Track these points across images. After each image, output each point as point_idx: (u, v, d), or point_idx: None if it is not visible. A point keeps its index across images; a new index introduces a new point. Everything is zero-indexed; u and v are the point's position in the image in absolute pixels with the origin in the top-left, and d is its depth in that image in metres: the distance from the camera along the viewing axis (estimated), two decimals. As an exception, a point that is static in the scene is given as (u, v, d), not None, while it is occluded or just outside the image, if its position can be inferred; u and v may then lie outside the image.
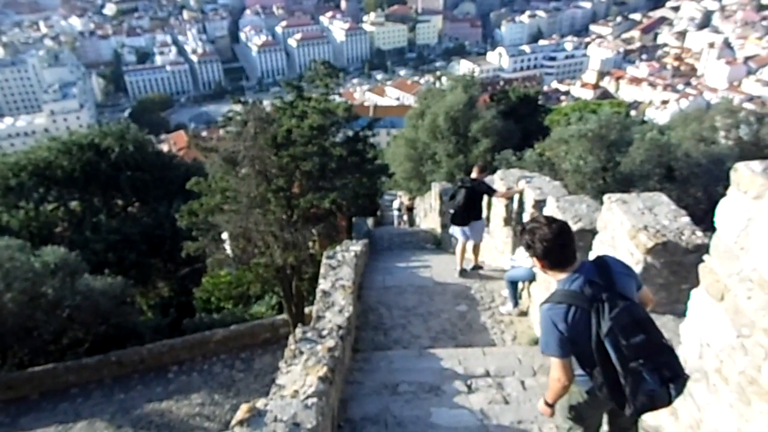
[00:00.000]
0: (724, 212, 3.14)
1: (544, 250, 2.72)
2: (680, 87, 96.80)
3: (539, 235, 2.73)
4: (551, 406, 3.01)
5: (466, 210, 7.90)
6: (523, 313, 7.24)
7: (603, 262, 2.81)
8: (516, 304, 7.35)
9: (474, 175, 7.95)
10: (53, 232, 16.53)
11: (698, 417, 3.57)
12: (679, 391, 2.58)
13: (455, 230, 8.30)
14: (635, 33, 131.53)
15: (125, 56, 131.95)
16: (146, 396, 10.17)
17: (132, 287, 13.48)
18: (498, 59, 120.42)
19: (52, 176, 17.04)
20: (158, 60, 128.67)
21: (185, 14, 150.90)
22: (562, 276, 2.77)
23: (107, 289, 11.44)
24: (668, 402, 2.58)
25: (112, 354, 10.76)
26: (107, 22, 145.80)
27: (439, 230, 13.39)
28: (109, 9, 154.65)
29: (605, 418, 3.23)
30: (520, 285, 7.26)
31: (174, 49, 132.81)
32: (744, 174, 2.92)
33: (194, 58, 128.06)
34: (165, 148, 39.88)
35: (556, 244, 2.71)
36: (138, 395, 10.21)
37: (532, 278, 6.84)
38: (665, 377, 2.52)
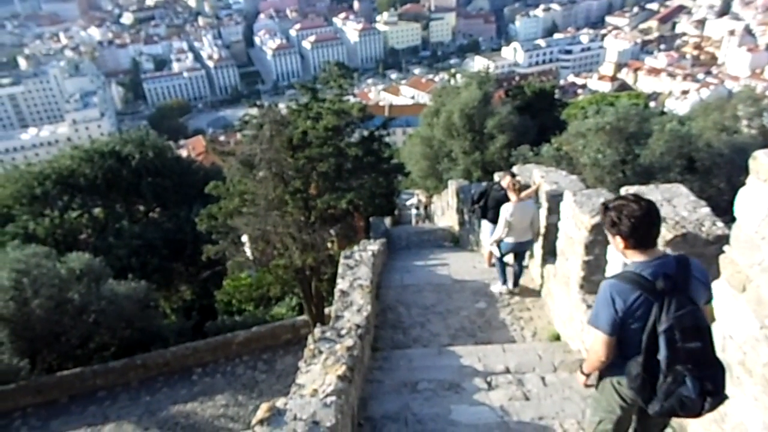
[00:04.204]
0: (743, 201, 3.09)
1: (631, 227, 2.66)
2: (700, 76, 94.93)
3: (627, 212, 2.67)
4: (587, 375, 2.99)
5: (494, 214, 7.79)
6: (536, 293, 7.37)
7: (686, 262, 2.74)
8: (504, 282, 7.64)
9: (504, 184, 7.85)
10: (78, 239, 16.86)
11: (722, 410, 3.51)
12: (713, 408, 2.55)
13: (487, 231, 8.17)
14: (653, 23, 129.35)
15: (143, 64, 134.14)
16: (171, 398, 10.34)
17: (155, 291, 13.69)
18: (513, 54, 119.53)
19: (76, 184, 17.39)
20: (175, 67, 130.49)
21: (200, 20, 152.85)
22: (641, 258, 2.71)
23: (131, 293, 11.65)
24: (698, 413, 2.55)
25: (138, 357, 10.97)
26: (125, 31, 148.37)
27: (457, 228, 13.35)
28: (127, 18, 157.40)
29: (634, 417, 3.19)
30: (508, 266, 7.60)
31: (190, 55, 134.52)
32: (763, 162, 2.87)
33: (210, 63, 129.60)
34: (184, 153, 40.31)
35: (644, 222, 2.66)
36: (163, 397, 10.39)
37: (513, 249, 7.27)
38: (706, 389, 2.49)
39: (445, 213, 16.07)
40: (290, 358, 11.04)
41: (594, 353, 2.80)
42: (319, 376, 3.76)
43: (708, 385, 2.48)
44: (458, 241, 12.80)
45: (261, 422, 3.00)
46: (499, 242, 7.32)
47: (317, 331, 4.77)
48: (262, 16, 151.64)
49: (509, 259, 7.65)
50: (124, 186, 18.06)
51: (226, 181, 13.24)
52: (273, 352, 11.50)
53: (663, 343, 2.48)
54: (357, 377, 4.49)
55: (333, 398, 3.26)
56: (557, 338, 6.26)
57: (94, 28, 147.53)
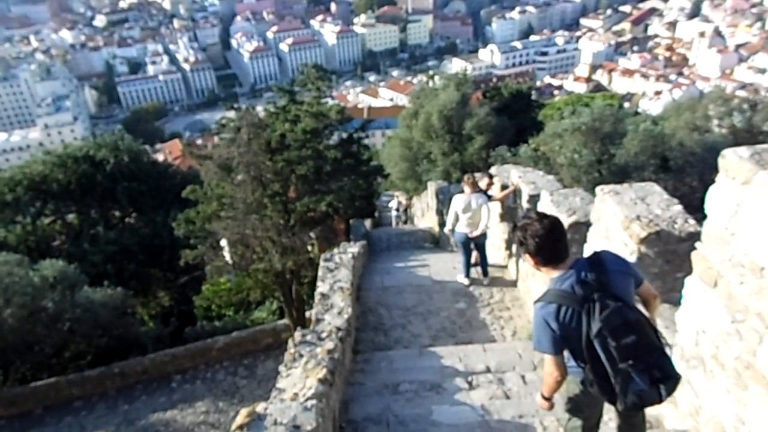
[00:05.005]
0: (714, 199, 3.16)
1: (536, 246, 2.71)
2: (673, 77, 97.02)
3: (531, 231, 2.72)
4: (548, 399, 3.03)
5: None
6: (512, 283, 7.69)
7: (598, 259, 2.78)
8: (467, 275, 7.94)
9: (483, 186, 8.02)
10: (51, 246, 16.52)
11: (697, 404, 3.60)
12: (670, 391, 2.59)
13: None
14: (626, 25, 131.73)
15: (117, 67, 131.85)
16: (150, 406, 10.17)
17: (132, 298, 13.48)
18: (490, 56, 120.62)
19: (48, 190, 17.02)
20: (150, 70, 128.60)
21: (176, 23, 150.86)
22: (555, 273, 2.76)
23: (107, 300, 11.44)
24: (659, 401, 2.59)
25: (115, 365, 10.77)
26: (98, 34, 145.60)
27: (436, 229, 13.41)
28: (100, 21, 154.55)
29: (612, 409, 3.24)
30: (474, 256, 7.94)
31: (166, 58, 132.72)
32: (732, 160, 2.94)
33: (186, 66, 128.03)
34: (160, 157, 39.80)
35: (548, 240, 2.70)
36: (142, 406, 10.21)
37: (463, 240, 7.62)
38: (655, 378, 2.53)
39: (425, 214, 16.12)
40: (271, 363, 10.95)
41: (548, 375, 2.86)
42: (299, 380, 3.74)
43: (656, 373, 2.52)
44: (438, 242, 12.85)
45: (241, 428, 2.98)
46: (452, 231, 7.75)
47: (297, 334, 4.75)
48: (238, 18, 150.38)
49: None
50: (99, 191, 17.73)
51: (204, 184, 13.10)
52: (254, 357, 11.39)
53: (599, 347, 2.53)
54: (338, 380, 4.48)
55: (314, 402, 3.24)
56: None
57: (65, 30, 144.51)
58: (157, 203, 18.00)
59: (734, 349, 3.10)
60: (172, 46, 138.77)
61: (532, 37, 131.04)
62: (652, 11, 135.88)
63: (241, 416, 3.03)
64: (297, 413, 3.09)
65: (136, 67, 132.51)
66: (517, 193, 7.80)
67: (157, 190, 18.27)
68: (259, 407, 3.16)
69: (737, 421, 3.14)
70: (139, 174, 18.24)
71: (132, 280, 15.10)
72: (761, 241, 2.75)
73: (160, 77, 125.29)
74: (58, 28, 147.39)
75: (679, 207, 4.32)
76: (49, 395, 10.29)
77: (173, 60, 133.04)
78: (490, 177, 8.40)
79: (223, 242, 13.40)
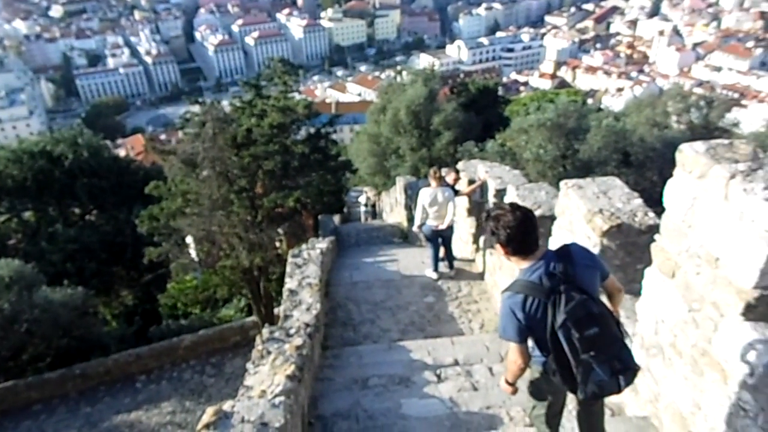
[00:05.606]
0: (671, 193, 3.26)
1: (507, 236, 2.75)
2: (634, 74, 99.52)
3: (503, 222, 2.75)
4: (512, 384, 3.09)
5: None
6: (479, 276, 7.84)
7: (566, 252, 2.83)
8: (436, 269, 8.04)
9: (449, 180, 8.09)
10: (6, 245, 15.92)
11: (656, 391, 3.71)
12: (629, 382, 2.67)
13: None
14: (589, 23, 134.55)
15: (75, 59, 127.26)
16: (114, 408, 9.92)
17: (94, 297, 13.11)
18: (457, 52, 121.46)
19: (3, 186, 16.38)
20: (110, 62, 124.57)
21: (136, 15, 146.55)
22: (525, 264, 2.81)
23: (67, 300, 11.09)
24: (618, 391, 2.67)
25: (76, 367, 10.45)
26: (54, 25, 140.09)
27: (405, 224, 13.46)
28: (56, 11, 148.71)
29: (571, 397, 3.32)
30: (441, 251, 8.03)
31: (127, 50, 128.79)
32: (688, 155, 3.04)
33: (148, 59, 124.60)
34: (122, 152, 38.67)
35: (519, 231, 2.73)
36: (105, 407, 9.95)
37: (430, 234, 7.72)
38: (615, 369, 2.61)
39: (394, 209, 16.17)
40: (239, 361, 10.81)
41: (512, 363, 2.92)
42: (267, 377, 3.71)
43: (616, 364, 2.60)
44: (407, 237, 12.90)
45: (207, 426, 2.93)
46: (421, 226, 7.81)
47: (265, 331, 4.71)
48: (202, 10, 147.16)
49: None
50: (57, 188, 17.13)
51: (168, 180, 12.81)
52: (221, 355, 11.24)
53: (562, 338, 2.59)
54: (307, 376, 4.45)
55: (282, 398, 3.22)
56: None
57: (19, 20, 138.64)
58: (119, 200, 17.51)
59: (691, 337, 3.21)
60: (133, 39, 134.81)
61: (499, 34, 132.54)
62: (614, 9, 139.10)
63: (208, 415, 2.99)
64: (265, 410, 3.06)
65: (95, 59, 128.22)
66: (483, 187, 7.89)
67: (118, 187, 17.78)
68: (226, 405, 3.11)
69: (694, 406, 3.26)
70: (100, 170, 17.70)
71: (93, 279, 14.66)
72: (716, 232, 2.85)
73: (121, 70, 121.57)
74: (11, 18, 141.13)
75: (640, 200, 4.43)
76: (6, 399, 9.92)
77: (134, 53, 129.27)
78: (457, 172, 8.48)
79: (189, 239, 13.15)
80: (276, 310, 11.98)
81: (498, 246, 2.85)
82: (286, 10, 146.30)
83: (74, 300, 11.26)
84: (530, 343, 2.87)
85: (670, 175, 3.25)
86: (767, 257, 2.51)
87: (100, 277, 15.38)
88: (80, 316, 11.47)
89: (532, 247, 2.80)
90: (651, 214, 4.24)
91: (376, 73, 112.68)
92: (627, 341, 2.77)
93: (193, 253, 13.47)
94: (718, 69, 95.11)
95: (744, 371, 2.72)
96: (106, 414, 9.76)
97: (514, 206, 2.82)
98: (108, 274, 16.06)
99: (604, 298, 2.95)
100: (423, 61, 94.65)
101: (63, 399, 10.14)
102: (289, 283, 6.31)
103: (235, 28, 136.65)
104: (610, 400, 3.97)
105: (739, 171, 2.69)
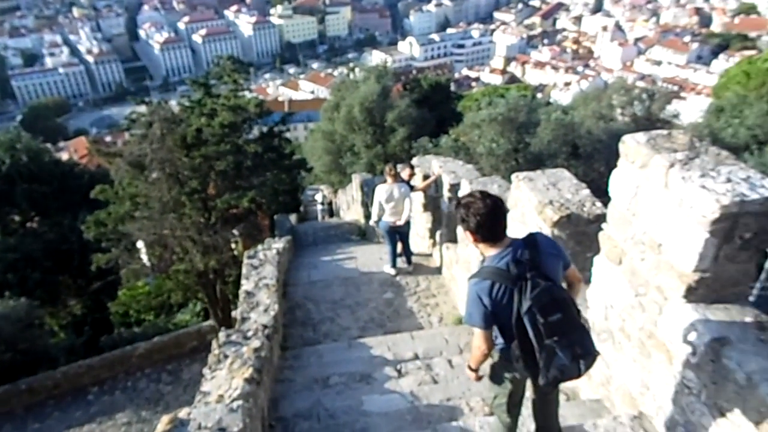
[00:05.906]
0: (616, 182, 3.38)
1: (476, 223, 2.79)
2: (580, 69, 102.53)
3: (473, 209, 2.79)
4: (475, 371, 3.14)
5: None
6: (437, 270, 7.95)
7: (533, 241, 2.89)
8: (393, 265, 8.13)
9: (405, 176, 8.11)
10: (-61, 257, 14.98)
11: (608, 374, 3.85)
12: (588, 366, 2.77)
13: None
14: (536, 19, 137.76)
15: (10, 59, 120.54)
16: (65, 422, 9.51)
17: (39, 308, 12.54)
18: (409, 49, 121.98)
19: (-67, 195, 15.44)
20: (49, 62, 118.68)
21: (75, 12, 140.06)
22: (492, 251, 2.85)
23: (9, 312, 10.59)
24: (578, 375, 2.76)
25: (22, 382, 9.95)
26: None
27: (362, 221, 13.45)
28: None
29: (528, 384, 3.39)
30: (399, 247, 8.09)
31: (66, 49, 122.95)
32: (630, 145, 3.16)
33: (90, 58, 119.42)
34: (64, 156, 37.04)
35: (488, 219, 2.78)
36: (55, 423, 9.52)
37: (389, 230, 7.78)
38: (576, 354, 2.69)
39: (351, 207, 16.12)
40: (197, 367, 10.54)
41: (476, 348, 2.98)
42: (225, 382, 3.64)
43: (578, 349, 2.68)
44: (365, 234, 12.90)
45: (163, 436, 2.84)
46: (378, 222, 7.85)
47: (222, 335, 4.61)
48: (145, 7, 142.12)
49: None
50: (-6, 195, 16.28)
51: (115, 184, 12.35)
52: (178, 361, 10.93)
53: (528, 323, 2.66)
54: (266, 378, 4.39)
55: (240, 402, 3.16)
56: (461, 322, 6.52)
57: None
58: (62, 205, 16.76)
59: (638, 321, 3.35)
60: (72, 37, 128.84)
61: (449, 30, 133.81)
62: (560, 6, 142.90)
63: (162, 423, 2.90)
64: (222, 415, 3.00)
65: (31, 59, 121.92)
66: (438, 182, 7.97)
67: (61, 192, 17.02)
68: (182, 412, 3.03)
69: (642, 386, 3.40)
70: (41, 174, 16.91)
71: (38, 290, 14.02)
72: (658, 219, 2.97)
73: (61, 70, 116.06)
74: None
75: (587, 191, 4.58)
76: (-55, 420, 9.36)
77: (74, 51, 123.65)
78: (412, 167, 8.53)
79: (139, 244, 12.73)
80: (233, 313, 11.74)
81: (467, 233, 2.88)
82: (234, 7, 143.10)
83: (17, 312, 10.75)
84: (495, 330, 2.92)
85: (616, 166, 3.37)
86: (705, 242, 2.63)
87: (45, 286, 14.72)
88: (24, 329, 10.95)
89: (501, 234, 2.85)
90: (598, 204, 4.39)
91: (329, 71, 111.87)
92: (587, 327, 2.86)
93: (144, 258, 13.06)
94: (659, 63, 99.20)
95: (687, 351, 2.85)
96: (56, 429, 9.34)
97: (484, 194, 2.86)
98: (53, 284, 15.38)
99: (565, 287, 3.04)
100: (375, 57, 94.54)
101: (8, 416, 9.64)
102: (246, 285, 6.20)
103: (181, 25, 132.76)
104: (566, 386, 4.09)
105: (678, 160, 2.81)
